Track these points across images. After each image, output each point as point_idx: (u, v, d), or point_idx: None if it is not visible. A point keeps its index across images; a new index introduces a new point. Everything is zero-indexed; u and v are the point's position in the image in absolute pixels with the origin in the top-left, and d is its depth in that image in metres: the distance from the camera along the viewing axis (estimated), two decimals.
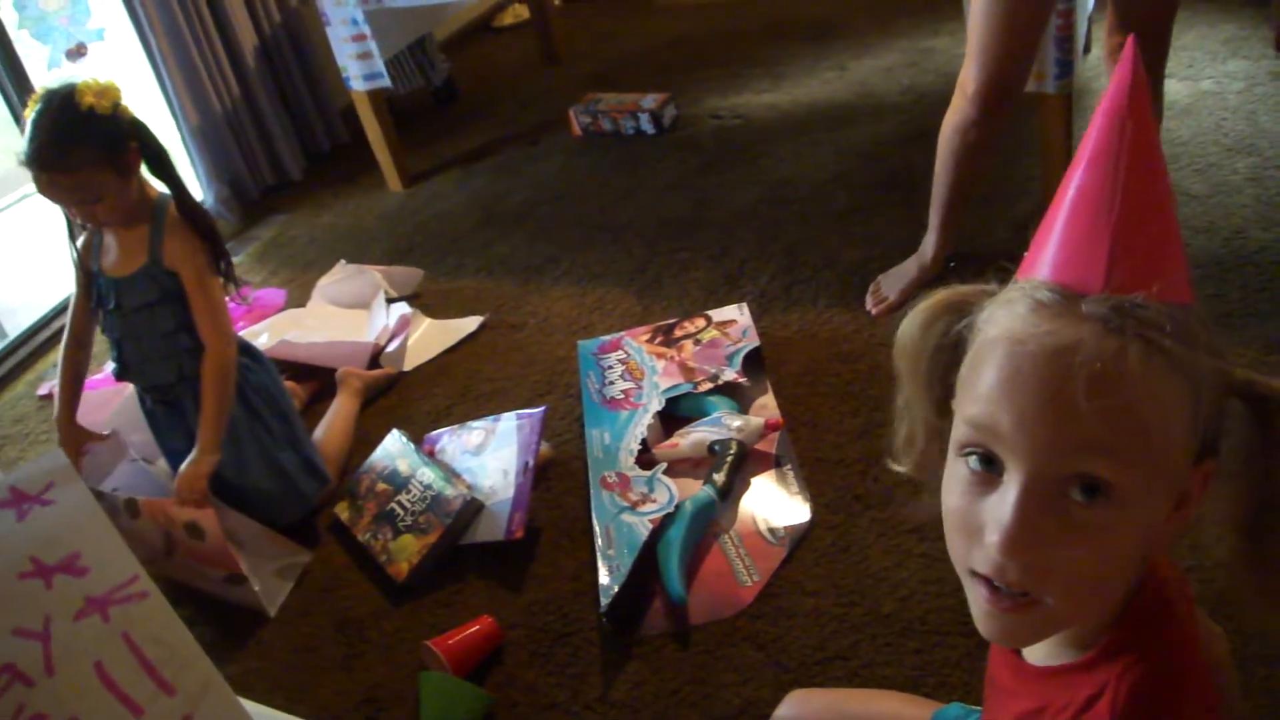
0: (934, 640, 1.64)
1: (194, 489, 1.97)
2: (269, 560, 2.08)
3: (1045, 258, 0.70)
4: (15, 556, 0.92)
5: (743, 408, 2.16)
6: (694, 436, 2.09)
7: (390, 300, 2.87)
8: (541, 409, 2.16)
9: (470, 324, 2.72)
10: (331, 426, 2.37)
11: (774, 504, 1.96)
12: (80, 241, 2.08)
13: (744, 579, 1.82)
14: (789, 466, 2.02)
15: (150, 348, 2.05)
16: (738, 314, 2.41)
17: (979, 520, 0.68)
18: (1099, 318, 0.64)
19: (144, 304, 2.00)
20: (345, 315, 2.87)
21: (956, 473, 0.71)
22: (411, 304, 2.85)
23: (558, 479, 2.16)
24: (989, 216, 2.56)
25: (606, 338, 2.47)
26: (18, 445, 2.74)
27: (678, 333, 2.40)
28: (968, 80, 2.10)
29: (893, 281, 2.40)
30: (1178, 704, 0.71)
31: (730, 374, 2.22)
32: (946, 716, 1.22)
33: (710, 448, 2.05)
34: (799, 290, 2.52)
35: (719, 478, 1.98)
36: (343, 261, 3.09)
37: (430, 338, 2.71)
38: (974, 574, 0.70)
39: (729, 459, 2.01)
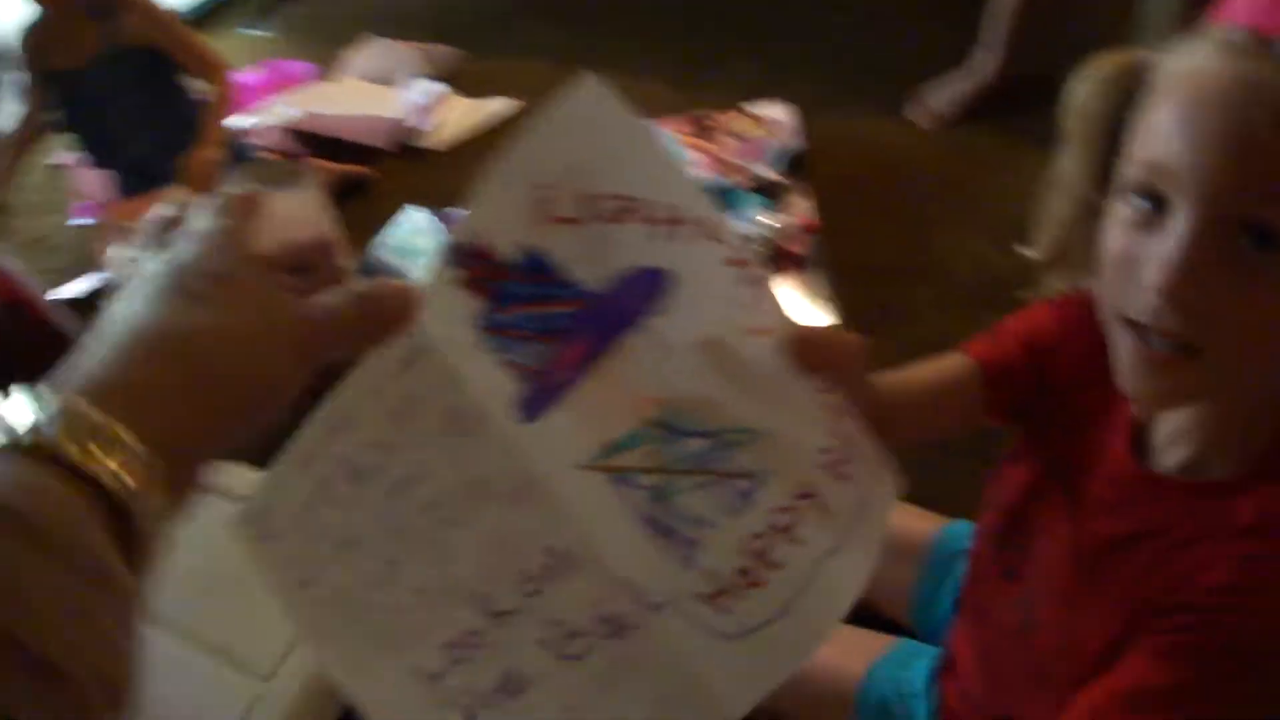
0: (949, 459, 1.60)
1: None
2: None
3: (1238, 3, 0.63)
4: None
5: (777, 207, 2.09)
6: None
7: (424, 79, 2.78)
8: None
9: (504, 105, 2.63)
10: None
11: (797, 308, 1.91)
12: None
13: None
14: (818, 271, 1.96)
15: (127, 128, 2.11)
16: (780, 113, 2.31)
17: (1139, 260, 0.63)
18: None
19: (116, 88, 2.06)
20: (374, 91, 2.78)
21: (1119, 214, 0.66)
22: (446, 84, 2.76)
23: None
24: (1046, 34, 2.39)
25: None
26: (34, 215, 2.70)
27: (717, 126, 2.30)
28: None
29: (943, 94, 2.28)
30: None
31: (769, 173, 2.14)
32: (957, 533, 1.19)
33: None
34: (846, 95, 2.41)
35: None
36: (373, 35, 2.98)
37: (463, 118, 2.63)
38: (1127, 322, 0.65)
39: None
